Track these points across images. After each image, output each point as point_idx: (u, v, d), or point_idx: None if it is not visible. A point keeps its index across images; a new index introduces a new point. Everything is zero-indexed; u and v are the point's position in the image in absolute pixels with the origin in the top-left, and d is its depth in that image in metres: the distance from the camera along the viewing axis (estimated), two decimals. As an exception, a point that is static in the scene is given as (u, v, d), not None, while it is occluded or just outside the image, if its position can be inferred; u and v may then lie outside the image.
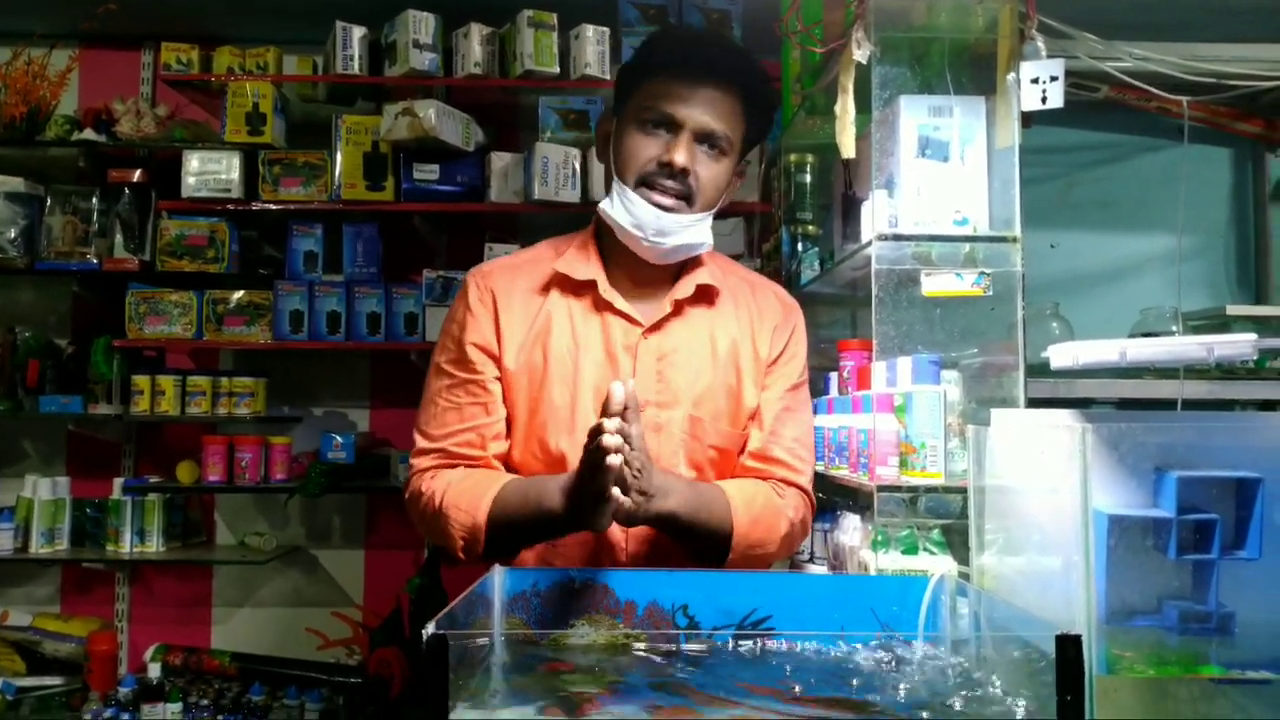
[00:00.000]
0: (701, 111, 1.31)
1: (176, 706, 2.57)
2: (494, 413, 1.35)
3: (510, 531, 1.27)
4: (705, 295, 1.39)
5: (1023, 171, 1.45)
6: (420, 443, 1.37)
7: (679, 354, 1.37)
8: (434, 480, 1.33)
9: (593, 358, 1.35)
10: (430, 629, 0.84)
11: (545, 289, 1.38)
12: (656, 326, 1.37)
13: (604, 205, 1.35)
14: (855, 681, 1.04)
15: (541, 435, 1.33)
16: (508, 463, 1.37)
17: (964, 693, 1.00)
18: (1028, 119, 1.45)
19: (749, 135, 1.37)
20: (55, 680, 2.78)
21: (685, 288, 1.38)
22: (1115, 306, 2.41)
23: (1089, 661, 0.97)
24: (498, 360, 1.36)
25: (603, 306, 1.37)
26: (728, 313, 1.40)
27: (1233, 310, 2.27)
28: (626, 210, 1.32)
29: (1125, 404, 2.19)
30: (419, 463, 1.36)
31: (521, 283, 1.38)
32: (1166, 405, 2.05)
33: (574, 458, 1.33)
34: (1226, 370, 2.25)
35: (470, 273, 1.44)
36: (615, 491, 1.14)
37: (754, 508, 1.33)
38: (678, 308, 1.38)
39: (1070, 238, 2.54)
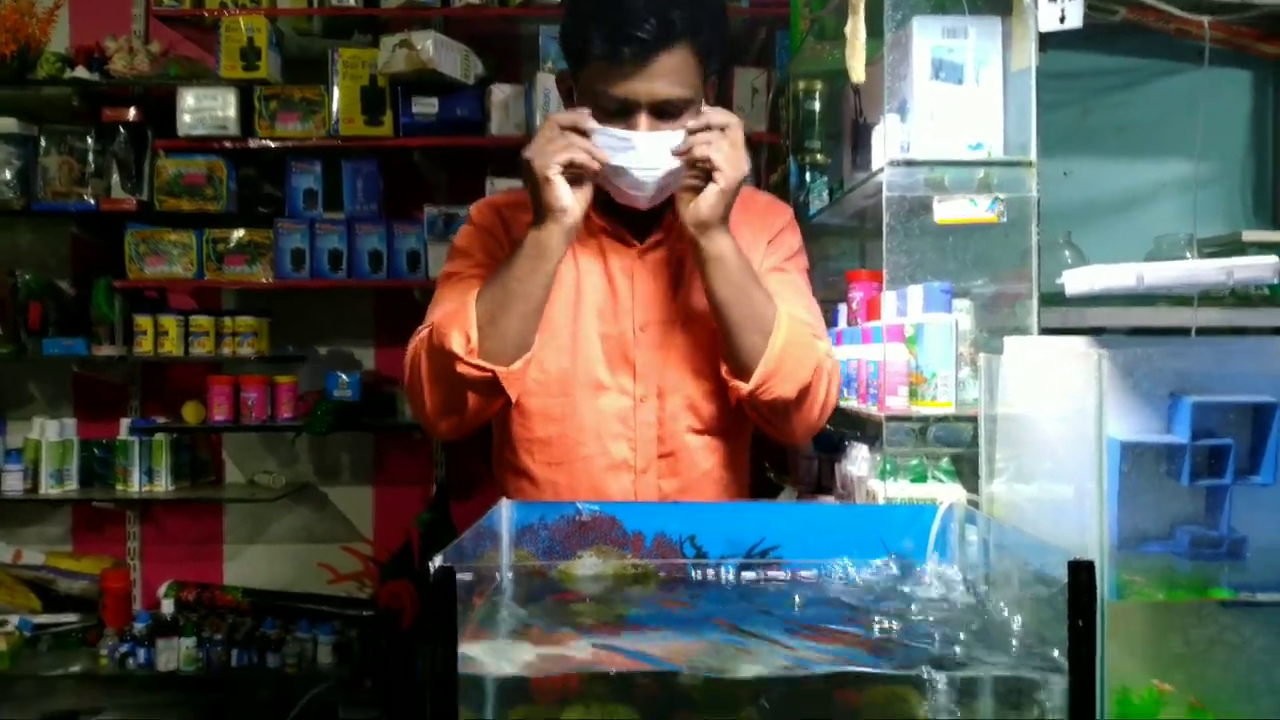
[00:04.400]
0: (652, 86, 1.25)
1: (191, 641, 2.63)
2: None
3: (500, 291, 1.26)
4: None
5: (1038, 97, 1.41)
6: (423, 326, 1.34)
7: (676, 271, 1.37)
8: (425, 332, 1.32)
9: (592, 281, 1.37)
10: (438, 561, 0.84)
11: None
12: (651, 247, 1.38)
13: None
14: (862, 608, 1.04)
15: (541, 355, 1.32)
16: None
17: (973, 620, 1.00)
18: (1044, 41, 1.41)
19: (709, 66, 1.31)
20: (71, 617, 2.85)
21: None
22: (1129, 234, 2.37)
23: (1101, 588, 0.97)
24: None
25: (598, 232, 1.37)
26: None
27: (1249, 236, 2.23)
28: (605, 181, 1.30)
29: (1137, 332, 2.16)
30: (418, 336, 1.33)
31: (523, 215, 1.36)
32: (1180, 333, 2.02)
33: (573, 378, 1.35)
34: (1241, 297, 2.22)
35: (475, 204, 1.47)
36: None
37: (795, 321, 1.34)
38: (669, 225, 1.37)
39: (1085, 165, 2.48)
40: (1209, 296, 2.16)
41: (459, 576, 0.85)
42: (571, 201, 1.24)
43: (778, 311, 1.31)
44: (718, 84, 1.38)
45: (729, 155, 1.24)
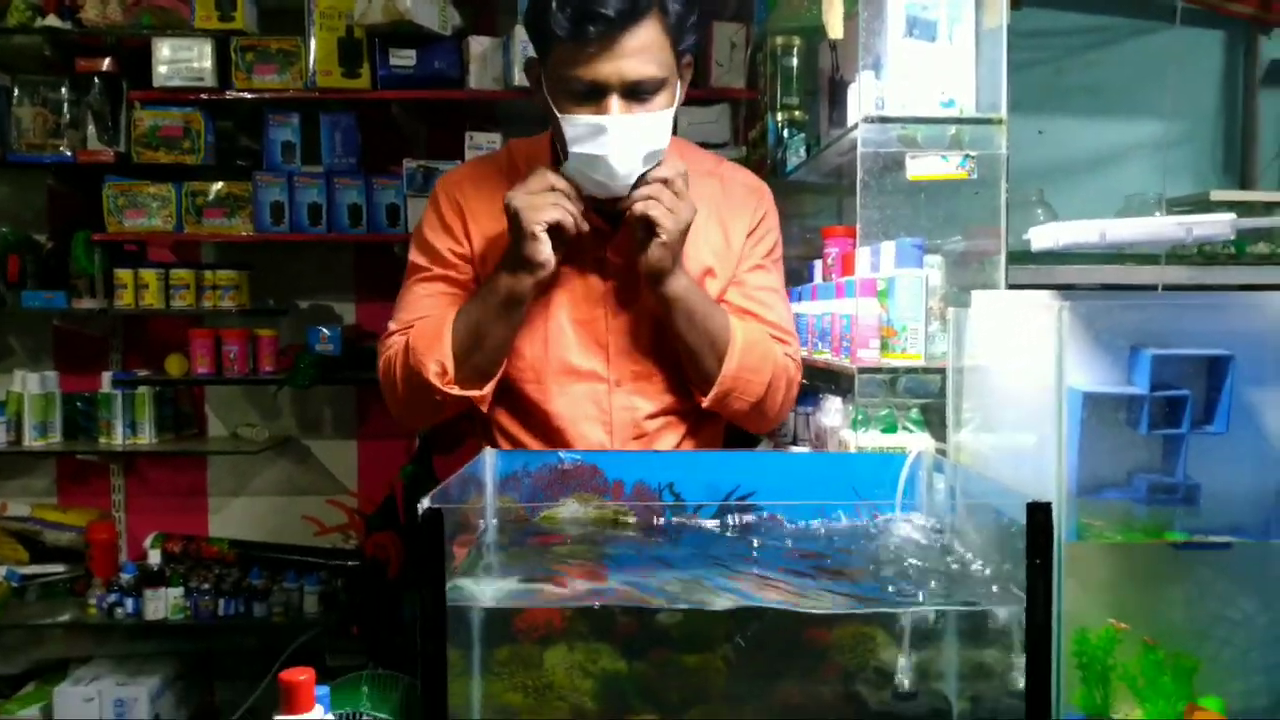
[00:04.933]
0: (620, 66, 1.22)
1: (178, 591, 2.67)
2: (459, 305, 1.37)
3: (474, 330, 1.30)
4: None
5: (1011, 56, 1.43)
6: (391, 327, 1.39)
7: None
8: (399, 342, 1.36)
9: (565, 269, 1.36)
10: (425, 503, 0.87)
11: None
12: (627, 235, 1.36)
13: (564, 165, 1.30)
14: (833, 551, 1.08)
15: (516, 343, 1.35)
16: None
17: (939, 562, 1.04)
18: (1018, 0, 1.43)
19: (681, 44, 1.28)
20: (58, 568, 2.88)
21: None
22: (1101, 193, 2.42)
23: (1058, 529, 1.01)
24: (472, 265, 1.38)
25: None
26: (710, 224, 1.40)
27: (1216, 195, 2.29)
28: (580, 174, 1.28)
29: (1107, 289, 2.22)
30: (388, 341, 1.38)
31: (487, 195, 1.38)
32: (1148, 290, 2.08)
33: (544, 364, 1.37)
34: (1208, 256, 2.27)
35: (439, 182, 1.45)
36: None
37: (750, 334, 1.38)
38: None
39: (1058, 124, 2.53)
40: (1177, 255, 2.22)
41: (446, 517, 0.89)
42: (550, 256, 1.26)
43: (732, 336, 1.35)
44: (693, 63, 1.35)
45: (666, 212, 1.26)
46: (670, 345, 1.38)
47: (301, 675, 0.93)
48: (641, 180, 1.27)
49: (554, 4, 1.20)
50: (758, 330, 1.40)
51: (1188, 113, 2.54)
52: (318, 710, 0.94)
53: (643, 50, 1.22)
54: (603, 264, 1.38)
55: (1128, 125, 2.48)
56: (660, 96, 1.26)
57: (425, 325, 1.34)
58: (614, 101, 1.23)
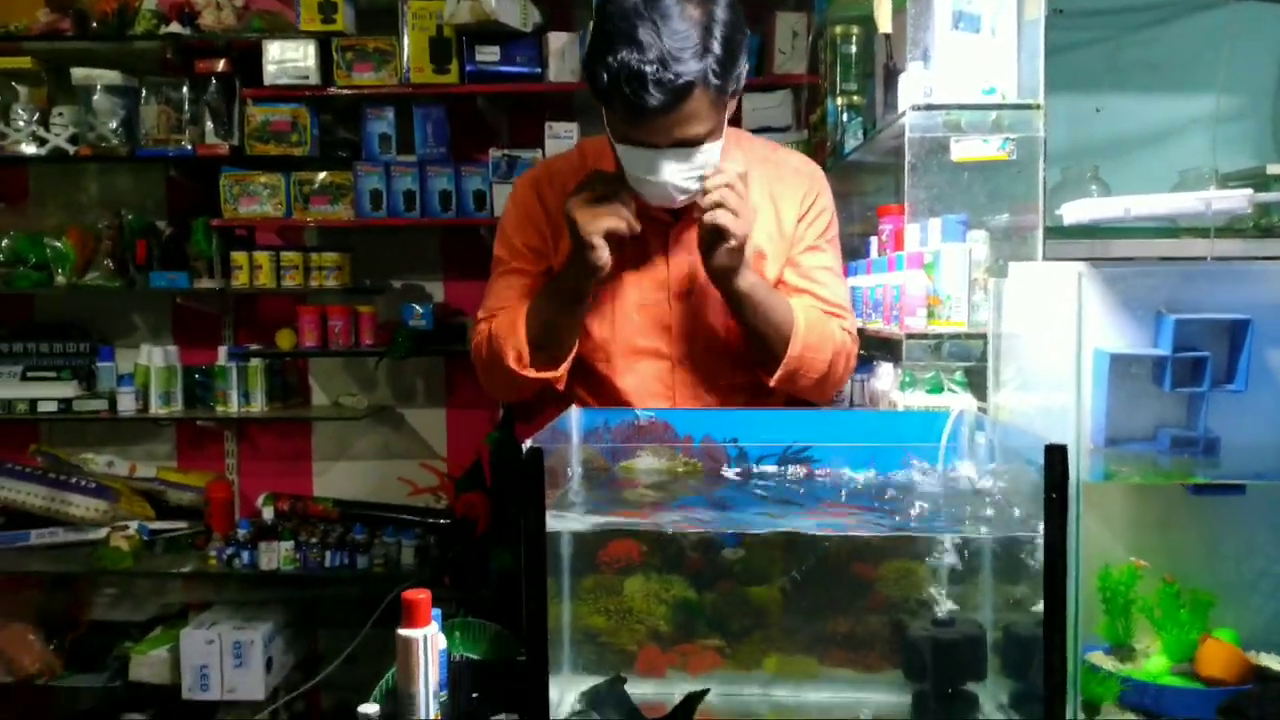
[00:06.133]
0: (671, 134, 1.29)
1: (289, 544, 2.84)
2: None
3: (544, 321, 1.43)
4: None
5: (1070, 35, 1.50)
6: (479, 315, 1.55)
7: None
8: (485, 329, 1.51)
9: (630, 256, 1.46)
10: (529, 444, 0.99)
11: None
12: (685, 224, 1.47)
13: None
14: (882, 497, 1.19)
15: (586, 323, 1.49)
16: None
17: (978, 504, 1.15)
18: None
19: (726, 93, 1.32)
20: (181, 524, 3.09)
21: None
22: (1157, 169, 2.44)
23: (1076, 471, 1.10)
24: (548, 256, 1.51)
25: (635, 211, 1.43)
26: (764, 211, 1.49)
27: (1273, 169, 2.31)
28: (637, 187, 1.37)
29: (1164, 261, 2.25)
30: (478, 328, 1.54)
31: (560, 189, 1.48)
32: (1199, 262, 2.12)
33: (612, 345, 1.50)
34: (1264, 229, 2.30)
35: (518, 180, 1.58)
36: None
37: (810, 315, 1.46)
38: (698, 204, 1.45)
39: (1116, 101, 2.56)
40: (1231, 228, 2.26)
41: (545, 456, 1.04)
42: (607, 260, 1.35)
43: (795, 320, 1.43)
44: (740, 94, 1.41)
45: (734, 218, 1.32)
46: (729, 326, 1.50)
47: (421, 594, 1.10)
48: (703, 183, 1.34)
49: (604, 78, 1.26)
50: (816, 311, 1.49)
51: (1245, 88, 2.54)
52: (433, 625, 1.11)
53: (690, 119, 1.29)
54: (665, 251, 1.49)
55: (1185, 101, 2.49)
56: (710, 139, 1.33)
57: (504, 316, 1.47)
58: (664, 156, 1.31)
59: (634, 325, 1.49)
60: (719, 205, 1.32)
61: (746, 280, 1.40)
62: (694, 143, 1.32)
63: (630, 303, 1.49)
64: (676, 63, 1.23)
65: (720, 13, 1.28)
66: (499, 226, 1.57)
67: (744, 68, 1.34)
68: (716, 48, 1.26)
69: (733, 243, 1.34)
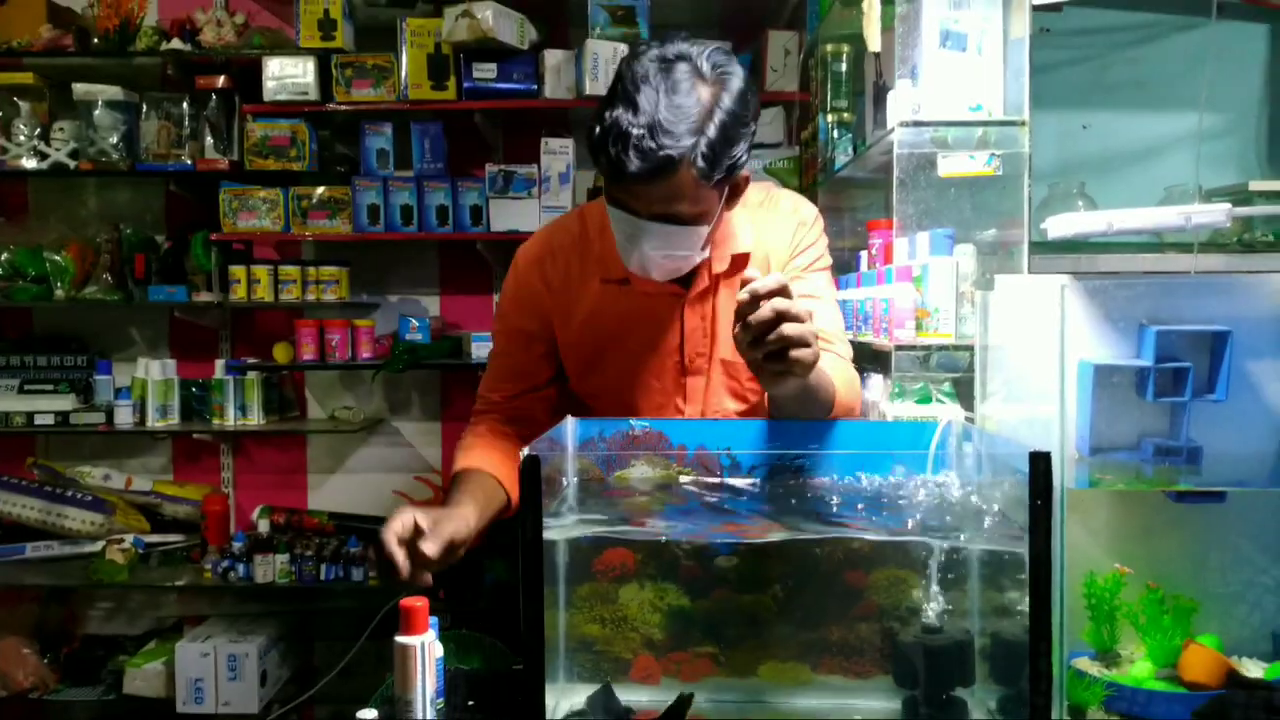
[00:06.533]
0: (652, 206, 1.28)
1: (284, 557, 2.86)
2: (531, 380, 1.53)
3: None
4: (739, 262, 1.45)
5: (1057, 54, 1.53)
6: (479, 390, 1.58)
7: (721, 312, 1.48)
8: (468, 433, 1.52)
9: (642, 328, 1.47)
10: (525, 452, 1.00)
11: (587, 275, 1.49)
12: (700, 297, 1.46)
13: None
14: (872, 505, 1.20)
15: (593, 390, 1.52)
16: (560, 396, 1.57)
17: (965, 512, 1.16)
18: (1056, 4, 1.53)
19: (716, 178, 1.28)
20: (176, 537, 3.10)
21: (720, 262, 1.45)
22: (1143, 185, 2.46)
23: (1060, 478, 1.13)
24: (543, 340, 1.52)
25: (644, 284, 1.45)
26: (755, 258, 1.48)
27: (1255, 186, 2.33)
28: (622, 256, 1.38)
29: (1148, 275, 2.28)
30: (475, 408, 1.57)
31: (563, 268, 1.50)
32: (1182, 276, 2.14)
33: (619, 409, 1.48)
34: (1246, 244, 2.33)
35: (519, 253, 1.54)
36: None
37: (841, 371, 1.42)
38: (715, 282, 1.46)
39: (1103, 118, 2.58)
40: (1214, 243, 2.29)
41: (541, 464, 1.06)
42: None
43: (834, 388, 1.34)
44: (736, 180, 1.35)
45: (809, 351, 1.13)
46: (738, 384, 1.48)
47: (419, 602, 1.11)
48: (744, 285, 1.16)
49: (596, 132, 1.26)
50: (841, 365, 1.44)
51: (1231, 105, 2.56)
52: (430, 633, 1.12)
53: (673, 195, 1.27)
54: (679, 322, 1.48)
55: (1172, 118, 2.51)
56: (700, 221, 1.31)
57: (467, 438, 1.50)
58: (644, 228, 1.30)
59: (641, 393, 1.50)
60: (802, 343, 1.13)
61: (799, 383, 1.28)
62: (675, 220, 1.30)
63: (638, 373, 1.50)
64: (665, 135, 1.21)
65: (728, 101, 1.26)
66: (500, 297, 1.58)
67: (742, 158, 1.31)
68: (712, 131, 1.24)
69: (804, 376, 1.18)
